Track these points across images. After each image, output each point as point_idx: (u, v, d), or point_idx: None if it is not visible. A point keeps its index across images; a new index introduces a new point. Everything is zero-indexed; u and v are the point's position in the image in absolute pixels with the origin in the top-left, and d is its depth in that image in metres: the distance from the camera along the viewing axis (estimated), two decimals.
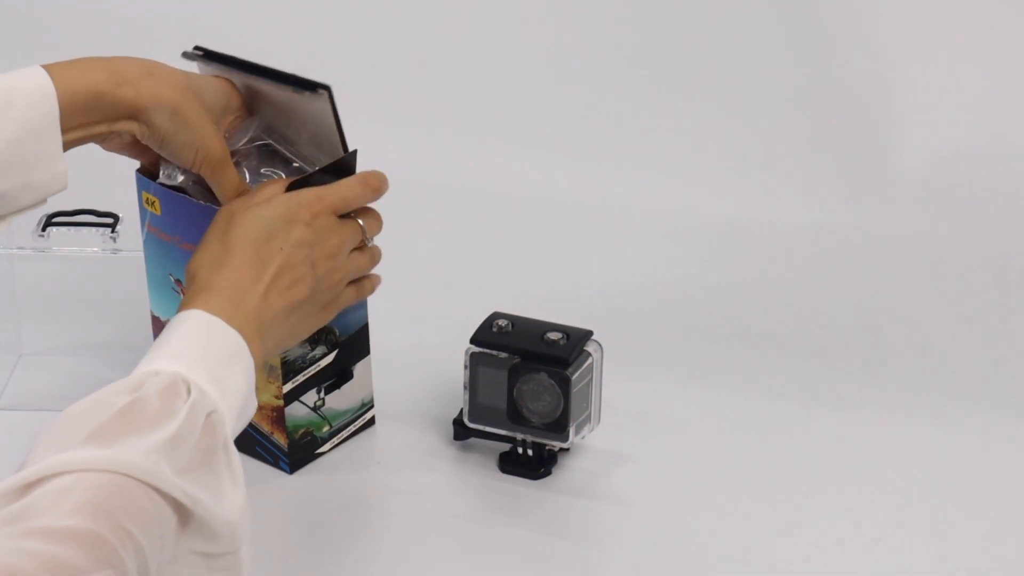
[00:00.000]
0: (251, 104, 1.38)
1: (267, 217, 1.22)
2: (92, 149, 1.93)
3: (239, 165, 1.33)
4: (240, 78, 1.35)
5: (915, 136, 1.88)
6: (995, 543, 1.35)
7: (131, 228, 1.47)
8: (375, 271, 1.34)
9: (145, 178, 1.38)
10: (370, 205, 1.30)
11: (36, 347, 1.57)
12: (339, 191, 1.27)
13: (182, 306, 1.16)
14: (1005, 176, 1.85)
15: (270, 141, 1.36)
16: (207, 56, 1.35)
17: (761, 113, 1.91)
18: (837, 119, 1.90)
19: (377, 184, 1.29)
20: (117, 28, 2.03)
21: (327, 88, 1.29)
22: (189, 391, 1.08)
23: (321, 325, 1.28)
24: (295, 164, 1.36)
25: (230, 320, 1.15)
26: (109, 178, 1.73)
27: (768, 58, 1.91)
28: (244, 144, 1.35)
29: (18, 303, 1.55)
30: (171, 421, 1.04)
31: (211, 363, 1.11)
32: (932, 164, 1.86)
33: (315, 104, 1.30)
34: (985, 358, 1.61)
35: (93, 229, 1.46)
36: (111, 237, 1.46)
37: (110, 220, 1.47)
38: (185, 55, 1.37)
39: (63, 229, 1.47)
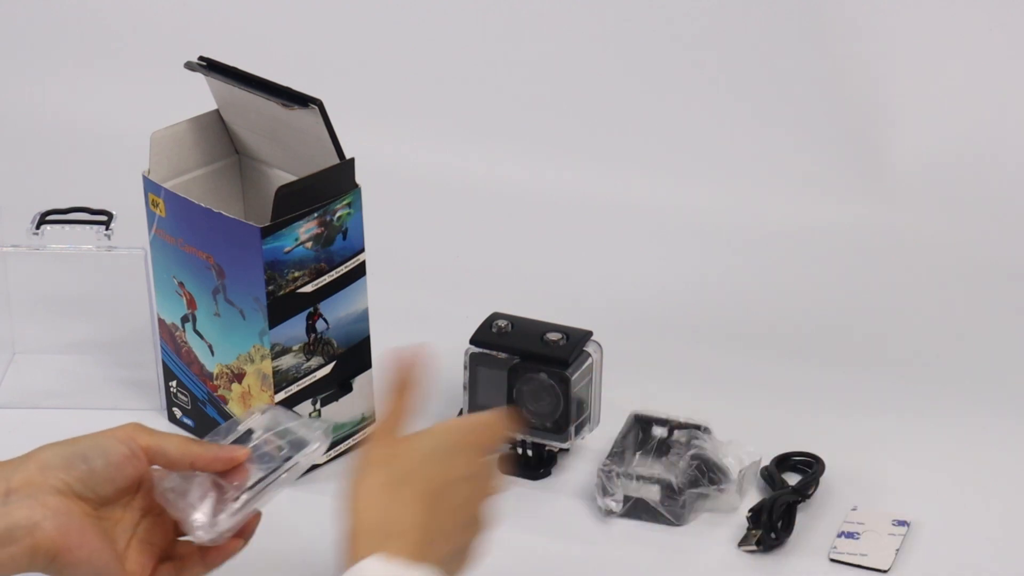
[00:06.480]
0: (233, 120, 1.43)
1: None
2: (89, 148, 1.95)
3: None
4: (232, 92, 1.39)
5: (915, 136, 1.88)
6: (997, 543, 1.35)
7: (125, 226, 1.46)
8: None
9: (150, 180, 1.38)
10: None
11: (30, 345, 1.56)
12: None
13: None
14: (1005, 175, 1.85)
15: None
16: (210, 67, 1.39)
17: (760, 114, 1.91)
18: (836, 119, 1.89)
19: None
20: (116, 36, 2.04)
21: (318, 103, 1.33)
22: None
23: None
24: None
25: None
26: (105, 176, 1.73)
27: (767, 59, 1.91)
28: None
29: (11, 301, 1.54)
30: None
31: None
32: (932, 163, 1.86)
33: (306, 118, 1.35)
34: (988, 357, 1.60)
35: (87, 227, 1.45)
36: (105, 235, 1.45)
37: (104, 218, 1.46)
38: (188, 66, 1.40)
39: (57, 227, 1.46)
